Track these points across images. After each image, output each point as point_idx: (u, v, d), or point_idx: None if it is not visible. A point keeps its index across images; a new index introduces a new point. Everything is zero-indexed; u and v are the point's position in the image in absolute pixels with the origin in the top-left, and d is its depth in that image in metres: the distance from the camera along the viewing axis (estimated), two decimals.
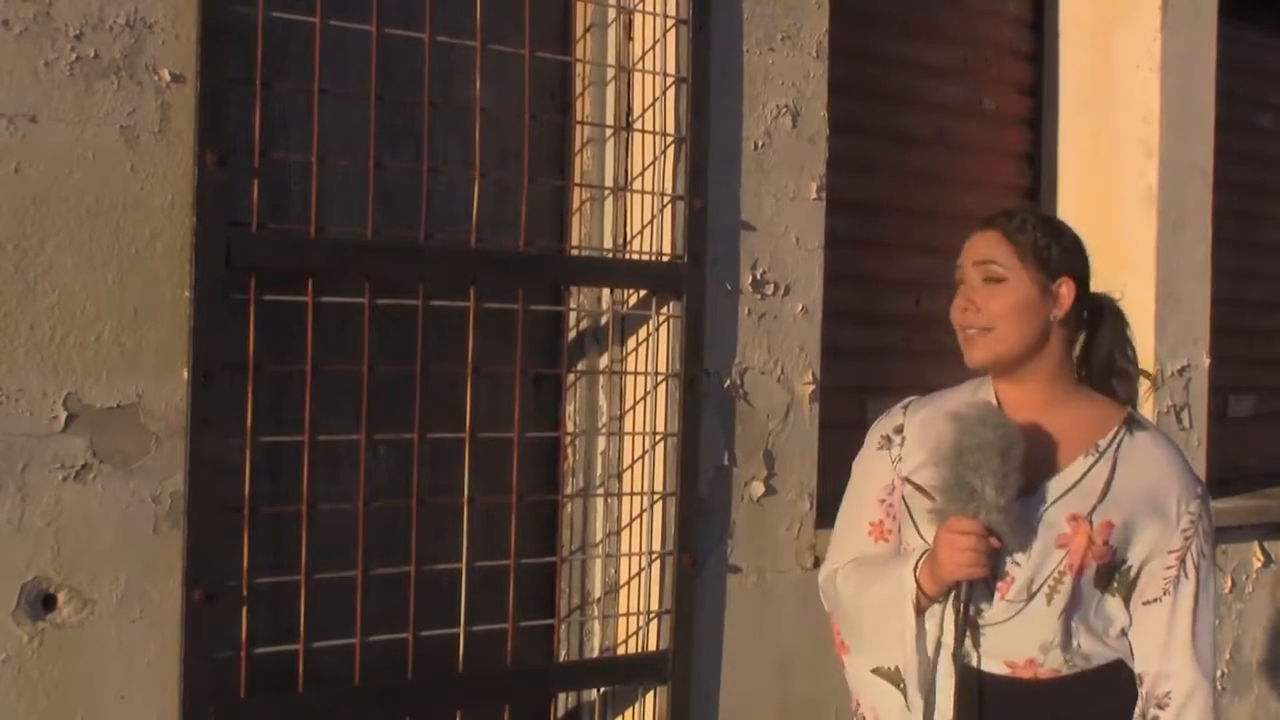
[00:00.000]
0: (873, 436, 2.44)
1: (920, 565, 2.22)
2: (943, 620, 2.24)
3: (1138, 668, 2.30)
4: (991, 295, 2.27)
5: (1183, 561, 2.28)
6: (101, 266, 2.56)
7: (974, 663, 2.25)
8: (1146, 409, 4.18)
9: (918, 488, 2.30)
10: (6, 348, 2.47)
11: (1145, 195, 4.27)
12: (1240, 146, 4.88)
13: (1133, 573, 2.28)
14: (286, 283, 2.75)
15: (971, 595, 2.19)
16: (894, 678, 2.28)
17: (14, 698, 2.48)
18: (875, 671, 2.30)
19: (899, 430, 2.39)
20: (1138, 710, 2.29)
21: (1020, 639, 2.24)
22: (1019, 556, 2.22)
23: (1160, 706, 2.26)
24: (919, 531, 2.29)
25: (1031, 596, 2.22)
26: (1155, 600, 2.28)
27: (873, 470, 2.40)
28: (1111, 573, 2.28)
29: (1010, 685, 2.25)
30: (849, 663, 2.38)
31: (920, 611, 2.23)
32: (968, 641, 2.24)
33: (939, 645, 2.25)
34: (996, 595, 2.24)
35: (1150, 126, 4.26)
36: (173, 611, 2.62)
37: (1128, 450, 2.30)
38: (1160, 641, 2.28)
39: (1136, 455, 2.31)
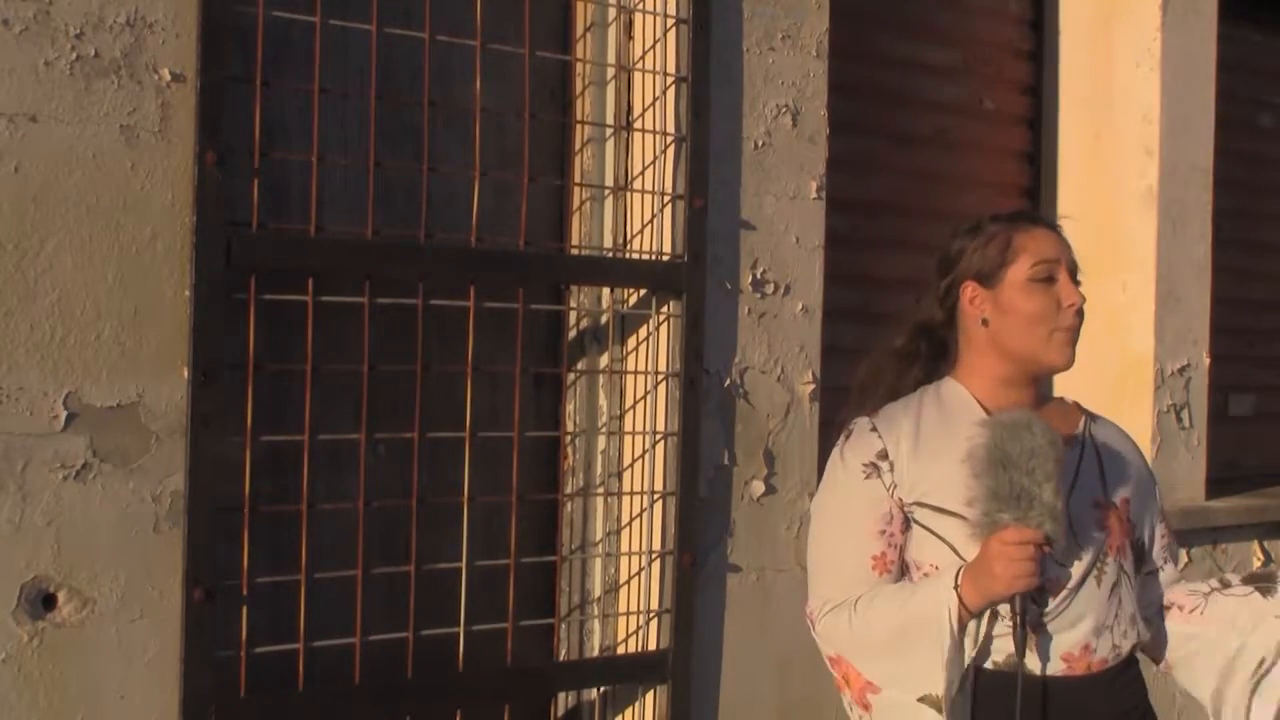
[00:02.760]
0: (850, 465, 2.30)
1: (960, 581, 2.15)
2: (978, 636, 2.18)
3: (1168, 597, 2.39)
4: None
5: (1170, 529, 2.44)
6: (101, 266, 2.56)
7: (1036, 670, 2.20)
8: (1146, 408, 4.19)
9: (937, 509, 2.23)
10: (6, 347, 2.47)
11: (1145, 195, 4.27)
12: (1240, 146, 4.88)
13: (1141, 547, 2.36)
14: (286, 283, 2.75)
15: (1026, 606, 2.13)
16: (938, 704, 2.18)
17: (14, 697, 2.48)
18: (923, 700, 2.18)
19: (883, 455, 2.27)
20: (1185, 616, 2.36)
21: (1076, 625, 2.21)
22: (1069, 556, 2.21)
23: (1224, 582, 2.37)
24: (953, 547, 2.21)
25: (1083, 581, 2.22)
26: (1160, 569, 2.41)
27: (864, 501, 2.27)
28: (1135, 551, 2.32)
29: (1065, 684, 2.21)
30: (883, 700, 2.22)
31: (961, 628, 2.16)
32: (1028, 648, 2.19)
33: (971, 661, 2.19)
34: (1050, 598, 2.20)
35: (1150, 126, 4.26)
36: (173, 611, 2.62)
37: (1100, 438, 2.36)
38: (1172, 580, 2.42)
39: (1108, 441, 2.36)
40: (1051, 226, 2.35)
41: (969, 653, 2.19)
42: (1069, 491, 2.24)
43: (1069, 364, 2.26)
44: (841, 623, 2.26)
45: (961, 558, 2.19)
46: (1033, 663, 2.20)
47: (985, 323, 2.29)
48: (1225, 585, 2.36)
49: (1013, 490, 2.07)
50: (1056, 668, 2.22)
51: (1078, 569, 2.22)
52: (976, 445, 2.11)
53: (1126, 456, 2.37)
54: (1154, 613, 2.39)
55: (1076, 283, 2.28)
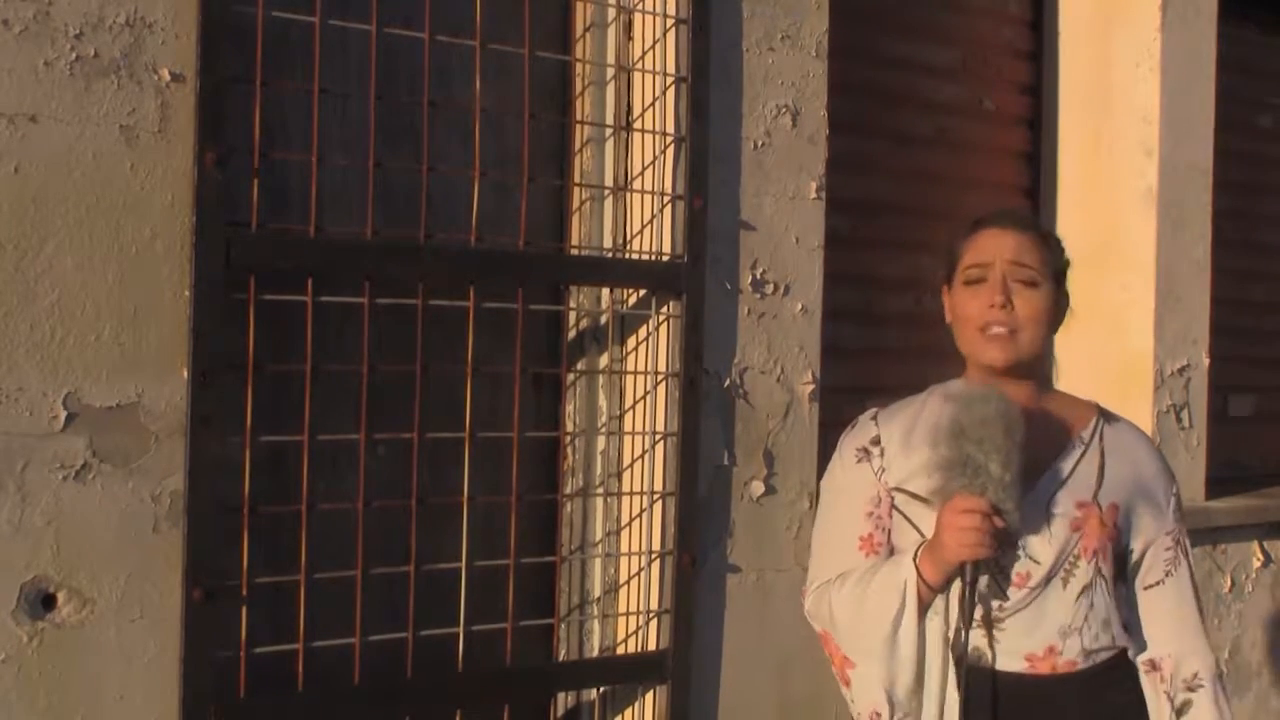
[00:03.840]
0: (846, 451, 2.39)
1: (920, 553, 2.21)
2: (947, 615, 2.22)
3: (1151, 652, 2.35)
4: (1025, 299, 2.28)
5: (1178, 543, 2.39)
6: (101, 266, 2.56)
7: (989, 662, 2.23)
8: (1146, 408, 4.20)
9: (911, 495, 2.28)
10: (6, 348, 2.47)
11: (1145, 195, 4.27)
12: (1240, 146, 4.88)
13: (1134, 557, 2.35)
14: (286, 283, 2.75)
15: (976, 579, 2.16)
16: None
17: (14, 698, 2.48)
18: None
19: (876, 441, 2.36)
20: (1158, 691, 2.33)
21: (1039, 625, 2.23)
22: (1037, 550, 2.22)
23: (1191, 689, 2.32)
24: (921, 534, 2.27)
25: (1048, 580, 2.23)
26: (1158, 583, 2.37)
27: (854, 484, 2.36)
28: (1119, 558, 2.32)
29: (1027, 683, 2.23)
30: (859, 675, 2.28)
31: (923, 603, 2.21)
32: (983, 640, 2.23)
33: (946, 643, 2.21)
34: (1014, 589, 2.23)
35: (1150, 126, 4.26)
36: (173, 611, 2.62)
37: (1110, 440, 2.36)
38: (1174, 623, 2.36)
39: (1119, 444, 2.37)
40: (1014, 227, 2.35)
41: (938, 630, 2.22)
42: (1056, 488, 2.26)
43: (996, 361, 2.28)
44: (824, 600, 2.34)
45: (926, 539, 2.24)
46: (987, 654, 2.23)
47: (951, 324, 2.39)
48: (1180, 710, 2.32)
49: (961, 458, 2.13)
50: (1017, 665, 2.24)
51: (1043, 567, 2.23)
52: (940, 417, 2.17)
53: (1136, 462, 2.37)
54: (1159, 634, 2.37)
55: (1031, 284, 2.28)
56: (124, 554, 2.58)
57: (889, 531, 2.33)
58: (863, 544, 2.33)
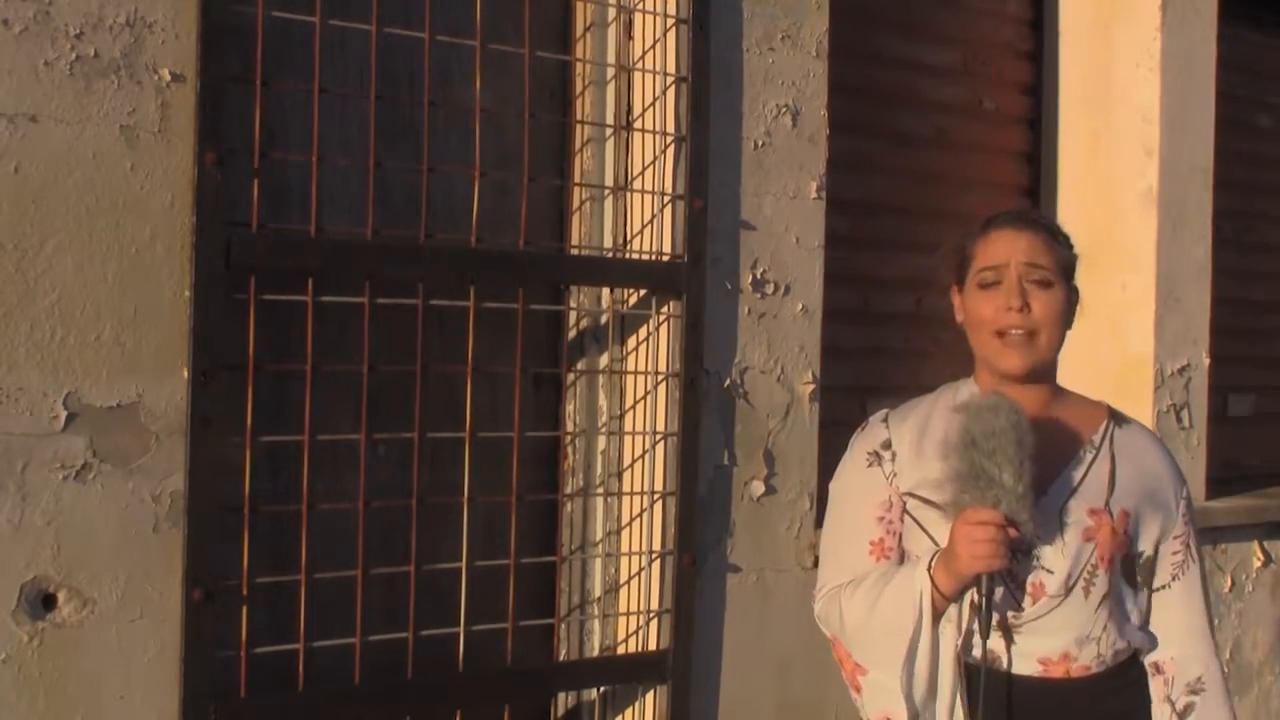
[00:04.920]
0: (856, 454, 2.38)
1: (934, 563, 2.19)
2: (960, 623, 2.21)
3: (1157, 655, 2.34)
4: (1041, 300, 2.27)
5: (1187, 547, 2.37)
6: (101, 266, 2.56)
7: (1004, 666, 2.22)
8: (1146, 408, 4.19)
9: (924, 500, 2.27)
10: (6, 347, 2.47)
11: (1145, 195, 4.27)
12: (1240, 146, 4.88)
13: (1143, 560, 2.34)
14: (286, 283, 2.75)
15: (992, 590, 2.14)
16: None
17: (14, 697, 2.48)
18: None
19: (887, 445, 2.34)
20: (1163, 694, 2.33)
21: (1057, 633, 2.23)
22: (1050, 559, 2.22)
23: (1195, 692, 2.32)
24: (934, 540, 2.25)
25: (1069, 590, 2.22)
26: (1165, 586, 2.36)
27: (865, 488, 2.34)
28: (1130, 562, 2.31)
29: (1040, 686, 2.23)
30: (870, 682, 2.28)
31: (937, 613, 2.19)
32: (999, 644, 2.22)
33: (958, 649, 2.21)
34: (1028, 599, 2.22)
35: (1150, 126, 4.26)
36: (173, 611, 2.62)
37: (1121, 443, 2.35)
38: (1180, 626, 2.35)
39: (1130, 447, 2.36)
40: (1026, 227, 2.33)
41: (951, 638, 2.21)
42: (1068, 496, 2.25)
43: (1015, 368, 2.27)
44: (834, 606, 2.32)
45: (940, 548, 2.22)
46: (1002, 659, 2.23)
47: (962, 324, 2.37)
48: (1182, 713, 2.33)
49: (973, 471, 2.11)
50: (1031, 669, 2.24)
51: (1057, 576, 2.22)
52: (951, 429, 2.16)
53: (1146, 465, 2.35)
54: (1166, 637, 2.37)
55: (1046, 284, 2.27)
56: (124, 554, 2.58)
57: (900, 536, 2.32)
58: (873, 548, 2.32)
